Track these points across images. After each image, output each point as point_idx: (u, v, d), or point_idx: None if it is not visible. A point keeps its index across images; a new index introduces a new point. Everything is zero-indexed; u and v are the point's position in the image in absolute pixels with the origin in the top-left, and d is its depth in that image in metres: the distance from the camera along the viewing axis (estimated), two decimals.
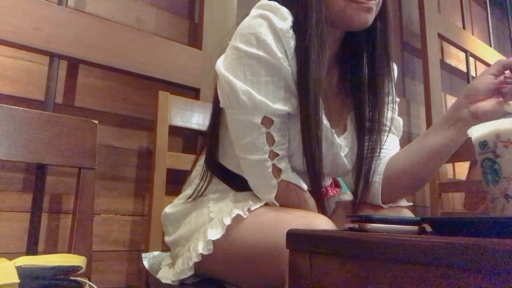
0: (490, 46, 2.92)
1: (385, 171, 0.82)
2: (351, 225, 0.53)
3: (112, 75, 1.18)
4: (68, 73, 1.12)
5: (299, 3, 0.75)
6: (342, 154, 0.82)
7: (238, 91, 0.71)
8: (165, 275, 0.83)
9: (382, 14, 0.81)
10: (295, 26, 0.73)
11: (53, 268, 0.70)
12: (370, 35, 0.82)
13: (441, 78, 2.34)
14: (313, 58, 0.72)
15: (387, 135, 0.85)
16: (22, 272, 0.65)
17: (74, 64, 1.12)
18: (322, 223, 0.68)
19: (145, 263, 0.98)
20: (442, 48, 2.61)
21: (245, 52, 0.71)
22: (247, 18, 0.75)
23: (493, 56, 2.87)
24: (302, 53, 0.72)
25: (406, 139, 2.22)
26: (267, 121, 0.72)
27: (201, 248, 0.73)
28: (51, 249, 1.03)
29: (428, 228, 0.52)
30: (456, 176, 2.44)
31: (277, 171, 0.74)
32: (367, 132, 0.82)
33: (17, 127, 0.86)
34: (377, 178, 0.82)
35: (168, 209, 0.92)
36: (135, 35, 1.21)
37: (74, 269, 0.73)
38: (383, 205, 0.83)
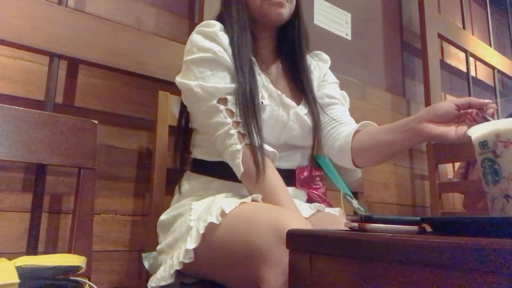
0: (490, 46, 2.92)
1: (353, 144, 0.96)
2: (351, 225, 0.53)
3: (112, 75, 1.18)
4: (68, 73, 1.12)
5: (226, 10, 0.96)
6: (301, 113, 0.97)
7: (192, 87, 0.88)
8: (149, 283, 0.86)
9: (297, 13, 1.00)
10: (225, 28, 0.93)
11: (53, 268, 0.70)
12: (290, 31, 1.02)
13: (441, 78, 2.34)
14: (240, 47, 0.90)
15: (339, 107, 1.05)
16: (22, 272, 0.65)
17: (74, 64, 1.12)
18: (291, 223, 0.67)
19: (145, 263, 0.98)
20: (442, 48, 2.61)
21: (191, 60, 0.90)
22: (188, 41, 0.94)
23: (493, 56, 2.87)
24: (233, 46, 0.91)
25: None
26: (222, 101, 0.87)
27: (182, 256, 0.76)
28: (51, 249, 1.03)
29: (428, 228, 0.52)
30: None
31: (241, 136, 0.85)
32: (312, 105, 1.00)
33: (17, 127, 0.86)
34: (346, 147, 0.96)
35: (161, 216, 0.96)
36: (135, 35, 1.21)
37: (74, 269, 0.73)
38: (358, 167, 0.99)
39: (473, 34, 2.90)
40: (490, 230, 0.41)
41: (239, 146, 0.84)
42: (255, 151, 0.84)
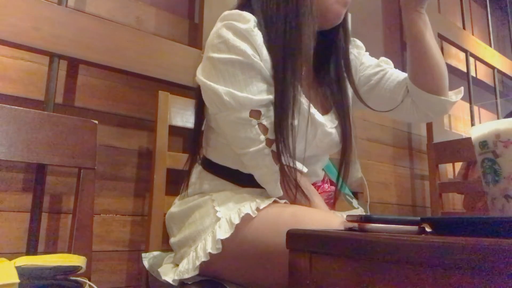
0: (490, 46, 2.92)
1: (409, 78, 0.95)
2: (351, 225, 0.53)
3: (112, 75, 1.18)
4: (68, 73, 1.12)
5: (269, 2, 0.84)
6: (328, 127, 0.89)
7: (221, 94, 0.77)
8: (166, 272, 0.82)
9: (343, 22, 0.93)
10: (264, 23, 0.82)
11: (53, 268, 0.70)
12: (332, 36, 0.94)
13: None
14: (284, 51, 0.79)
15: (389, 73, 1.00)
16: (22, 272, 0.65)
17: (74, 64, 1.12)
18: (338, 223, 0.67)
19: (145, 263, 0.98)
20: (442, 48, 2.61)
21: (218, 59, 0.79)
22: (214, 30, 0.83)
23: (493, 56, 2.87)
24: (271, 47, 0.80)
25: (406, 139, 2.22)
26: (254, 114, 0.78)
27: (210, 247, 0.73)
28: (51, 249, 1.03)
29: (428, 228, 0.52)
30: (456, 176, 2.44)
31: (276, 156, 0.78)
32: (343, 116, 0.92)
33: (17, 127, 0.86)
34: (413, 88, 0.94)
35: (173, 209, 0.92)
36: (135, 35, 1.21)
37: (74, 269, 0.73)
38: (440, 96, 0.94)
39: (473, 34, 2.90)
40: (490, 230, 0.41)
41: (276, 168, 0.77)
42: (291, 174, 0.77)
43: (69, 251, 0.88)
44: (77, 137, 0.94)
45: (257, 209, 0.73)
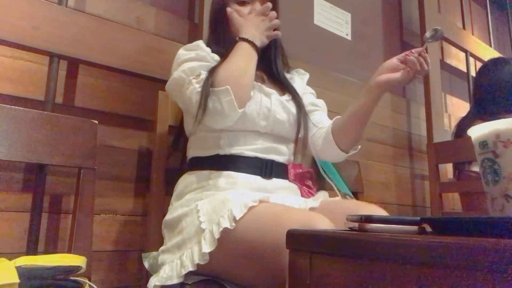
0: (490, 46, 2.92)
1: (333, 131, 1.06)
2: (351, 225, 0.53)
3: (112, 75, 1.18)
4: (68, 73, 1.12)
5: (213, 36, 1.10)
6: (282, 98, 1.04)
7: (175, 76, 0.97)
8: (150, 284, 0.86)
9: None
10: (213, 41, 1.07)
11: (53, 268, 0.70)
12: (268, 55, 1.11)
13: (441, 78, 2.33)
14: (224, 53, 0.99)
15: (320, 113, 1.16)
16: (22, 272, 0.65)
17: (74, 64, 1.12)
18: (320, 222, 0.70)
19: (145, 263, 0.99)
20: (442, 48, 2.60)
21: (176, 63, 1.00)
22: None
23: (493, 56, 2.87)
24: (220, 52, 1.01)
25: (406, 139, 2.22)
26: (197, 76, 0.93)
27: (197, 258, 0.77)
28: (51, 249, 1.03)
29: (428, 228, 0.52)
30: None
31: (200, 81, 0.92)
32: (294, 94, 1.09)
33: (17, 127, 0.86)
34: (329, 137, 1.06)
35: (166, 216, 0.97)
36: (135, 35, 1.21)
37: (74, 269, 0.73)
38: (343, 151, 1.06)
39: (473, 34, 2.90)
40: (490, 230, 0.41)
41: (199, 90, 0.90)
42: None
43: (69, 251, 0.88)
44: (77, 137, 0.94)
45: (234, 219, 0.77)
